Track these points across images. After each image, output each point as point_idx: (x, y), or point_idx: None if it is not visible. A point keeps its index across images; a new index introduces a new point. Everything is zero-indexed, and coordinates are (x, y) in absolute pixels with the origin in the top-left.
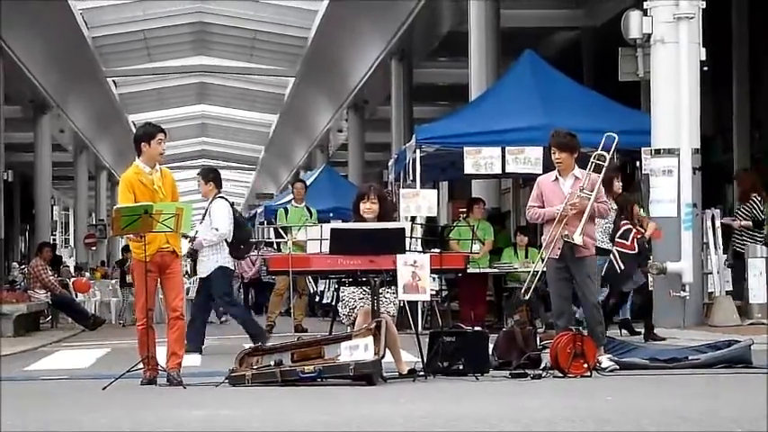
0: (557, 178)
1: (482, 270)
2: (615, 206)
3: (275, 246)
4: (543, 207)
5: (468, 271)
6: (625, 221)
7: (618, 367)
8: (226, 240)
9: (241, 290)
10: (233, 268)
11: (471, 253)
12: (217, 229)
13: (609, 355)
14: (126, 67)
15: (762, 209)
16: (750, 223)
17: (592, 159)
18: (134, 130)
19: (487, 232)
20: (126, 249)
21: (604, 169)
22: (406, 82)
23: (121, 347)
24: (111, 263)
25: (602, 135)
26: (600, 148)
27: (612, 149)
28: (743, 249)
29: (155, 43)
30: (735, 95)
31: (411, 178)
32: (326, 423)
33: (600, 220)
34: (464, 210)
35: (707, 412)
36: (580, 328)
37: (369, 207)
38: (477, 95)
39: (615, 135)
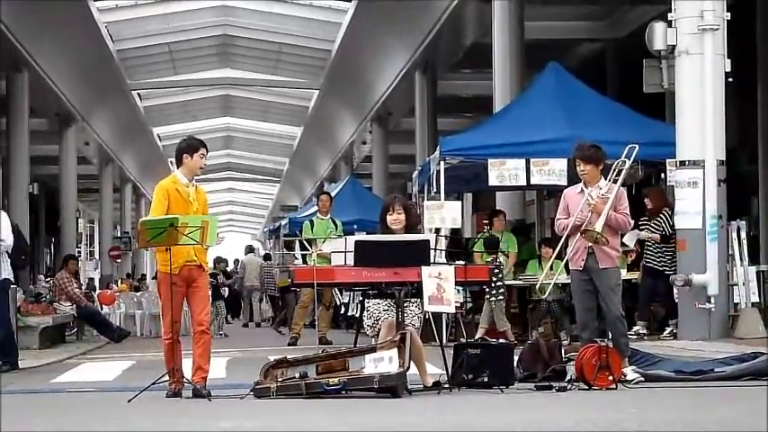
0: (582, 190)
1: (506, 282)
2: None
3: (300, 258)
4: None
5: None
6: None
7: (643, 379)
8: (7, 251)
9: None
10: (13, 281)
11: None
12: (2, 241)
13: (633, 367)
14: (151, 80)
15: (671, 224)
16: (658, 236)
17: (614, 168)
18: (159, 143)
19: (511, 244)
20: (218, 261)
21: (622, 175)
22: (430, 94)
23: (146, 360)
24: (135, 275)
25: (626, 146)
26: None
27: (632, 159)
28: (655, 265)
29: (180, 56)
30: (759, 106)
31: (435, 190)
32: None
33: None
34: (487, 222)
35: (733, 425)
36: (605, 339)
37: (396, 218)
38: (501, 107)
39: (636, 146)
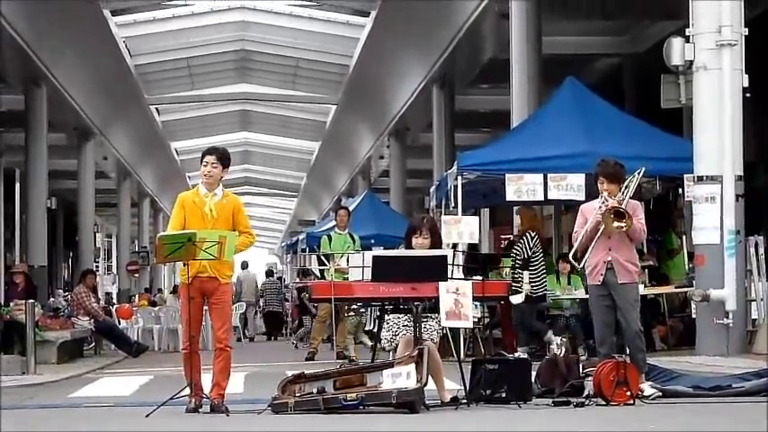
0: (600, 207)
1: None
2: None
3: (318, 273)
4: None
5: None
6: None
7: (661, 394)
8: None
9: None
10: None
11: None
12: None
13: (651, 383)
14: (169, 95)
15: (530, 246)
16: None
17: (626, 184)
18: (177, 158)
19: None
20: (306, 273)
21: (630, 191)
22: (448, 109)
23: (164, 374)
24: (153, 290)
25: (643, 162)
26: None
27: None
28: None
29: (197, 71)
30: None
31: (453, 205)
32: None
33: None
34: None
35: None
36: (624, 355)
37: (421, 243)
38: (518, 122)
39: (643, 169)
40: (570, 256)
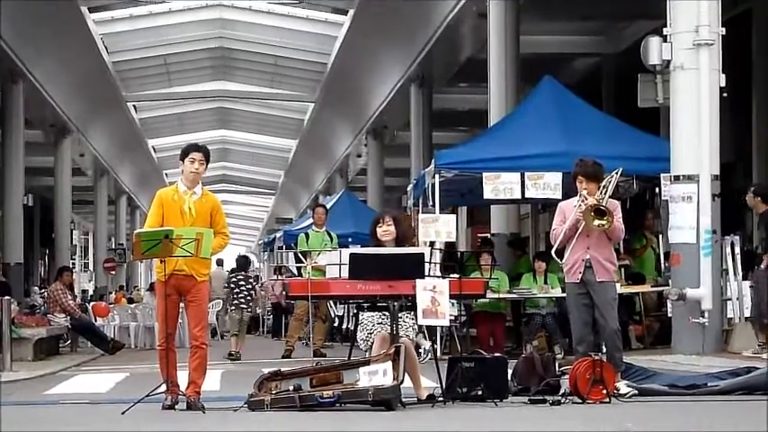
0: (580, 205)
1: (501, 295)
2: None
3: (295, 270)
4: None
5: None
6: None
7: (637, 393)
8: None
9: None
10: None
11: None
12: None
13: (627, 381)
14: (146, 92)
15: None
16: None
17: (604, 183)
18: (154, 155)
19: (503, 283)
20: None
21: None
22: (426, 107)
23: (140, 372)
24: (129, 287)
25: (621, 161)
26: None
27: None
28: None
29: (175, 68)
30: (754, 121)
31: (430, 203)
32: None
33: None
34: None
35: None
36: (600, 353)
37: (385, 230)
38: (496, 121)
39: (621, 169)
40: (553, 251)
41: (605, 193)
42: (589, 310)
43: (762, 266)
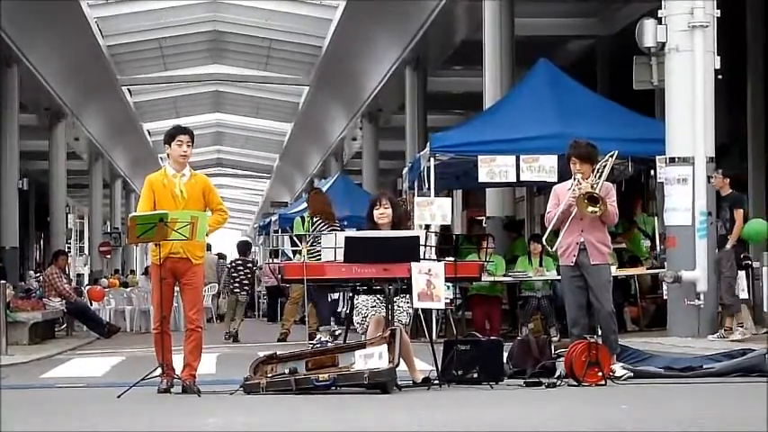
0: (573, 190)
1: (496, 278)
2: None
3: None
4: None
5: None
6: None
7: (632, 375)
8: None
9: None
10: None
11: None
12: None
13: (622, 364)
14: (141, 76)
15: (308, 229)
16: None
17: (597, 168)
18: (149, 139)
19: (499, 266)
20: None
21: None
22: (421, 90)
23: (136, 355)
24: (125, 271)
25: (616, 143)
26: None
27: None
28: None
29: (170, 52)
30: (749, 104)
31: (426, 186)
32: (341, 431)
33: None
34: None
35: (721, 421)
36: (595, 336)
37: (382, 213)
38: (491, 104)
39: (616, 152)
40: (544, 238)
41: (600, 177)
42: (583, 293)
43: (726, 247)
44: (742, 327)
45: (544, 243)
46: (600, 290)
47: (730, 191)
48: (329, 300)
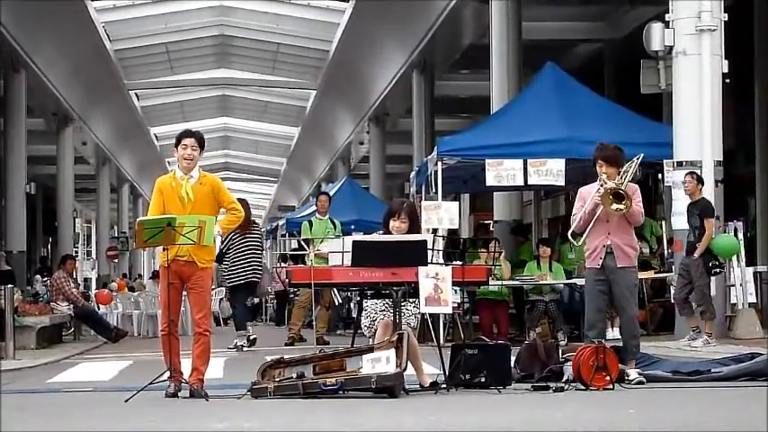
0: (599, 189)
1: (504, 282)
2: None
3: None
4: None
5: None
6: None
7: (644, 381)
8: None
9: (269, 303)
10: None
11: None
12: None
13: (638, 370)
14: (148, 80)
15: (226, 241)
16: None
17: (624, 168)
18: (156, 143)
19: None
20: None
21: (628, 176)
22: (428, 94)
23: (144, 360)
24: (133, 275)
25: (623, 147)
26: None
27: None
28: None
29: (177, 56)
30: (757, 107)
31: (433, 190)
32: None
33: None
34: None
35: (729, 425)
36: (603, 340)
37: (398, 226)
38: (498, 108)
39: (642, 155)
40: (569, 232)
41: (625, 178)
42: (604, 297)
43: (695, 256)
44: (708, 337)
45: (569, 237)
46: (625, 293)
47: (701, 197)
48: (337, 303)
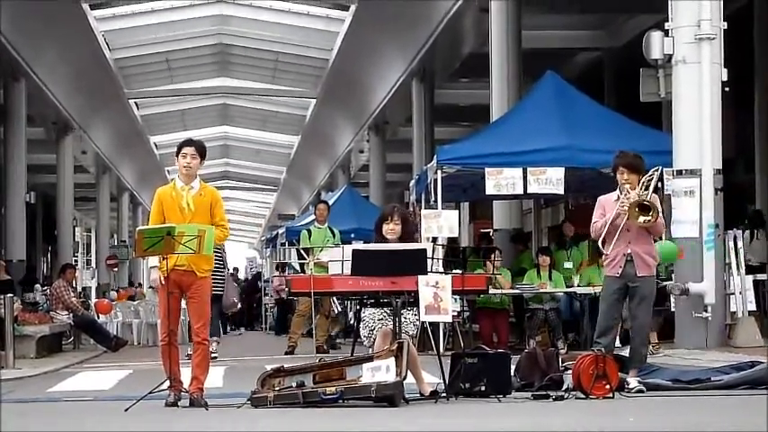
0: (618, 197)
1: (504, 291)
2: None
3: (298, 267)
4: None
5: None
6: None
7: (644, 390)
8: None
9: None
10: None
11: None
12: None
13: (639, 378)
14: (148, 89)
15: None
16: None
17: (644, 180)
18: (156, 152)
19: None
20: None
21: (651, 187)
22: (428, 102)
23: (143, 369)
24: (132, 284)
25: None
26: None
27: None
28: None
29: (177, 65)
30: (756, 116)
31: (432, 199)
32: None
33: None
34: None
35: None
36: (602, 348)
37: (391, 228)
38: (498, 116)
39: (661, 167)
40: (599, 242)
41: (647, 189)
42: (619, 307)
43: None
44: (657, 347)
45: (601, 248)
46: (642, 302)
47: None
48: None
